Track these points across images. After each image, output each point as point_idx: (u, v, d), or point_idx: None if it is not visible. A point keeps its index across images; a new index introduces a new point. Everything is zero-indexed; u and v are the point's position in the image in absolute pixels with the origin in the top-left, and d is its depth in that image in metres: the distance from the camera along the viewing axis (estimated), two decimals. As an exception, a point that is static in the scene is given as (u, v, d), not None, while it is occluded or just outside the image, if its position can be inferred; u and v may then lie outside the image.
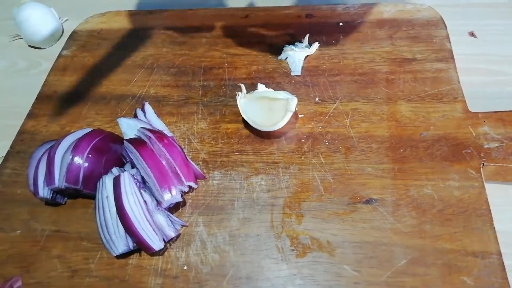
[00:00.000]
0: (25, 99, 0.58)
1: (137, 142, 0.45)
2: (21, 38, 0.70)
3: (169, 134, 0.49)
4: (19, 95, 0.62)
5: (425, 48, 0.55)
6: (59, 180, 0.44)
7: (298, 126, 0.50)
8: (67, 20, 0.72)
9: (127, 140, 0.45)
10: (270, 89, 0.51)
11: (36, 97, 0.57)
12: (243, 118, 0.49)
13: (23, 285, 0.42)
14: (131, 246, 0.41)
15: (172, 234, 0.42)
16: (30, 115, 0.55)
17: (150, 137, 0.45)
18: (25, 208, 0.47)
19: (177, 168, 0.44)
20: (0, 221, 0.46)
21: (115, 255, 0.41)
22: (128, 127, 0.49)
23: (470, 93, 0.51)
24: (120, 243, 0.41)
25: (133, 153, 0.44)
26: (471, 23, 0.62)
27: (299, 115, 0.51)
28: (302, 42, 0.57)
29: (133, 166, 0.45)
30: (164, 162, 0.44)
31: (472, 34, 0.60)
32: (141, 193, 0.42)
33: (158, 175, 0.43)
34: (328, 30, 0.58)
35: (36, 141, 0.52)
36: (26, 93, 0.59)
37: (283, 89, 0.53)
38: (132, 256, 0.43)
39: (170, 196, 0.42)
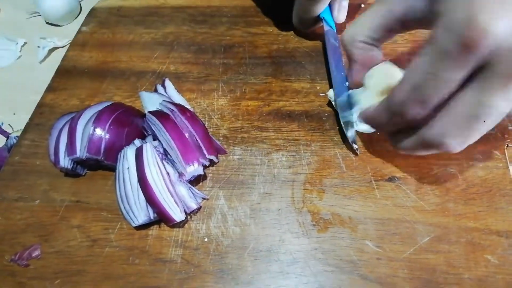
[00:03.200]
0: (44, 74, 0.58)
1: (160, 115, 0.44)
2: (39, 15, 0.70)
3: (190, 109, 0.49)
4: (38, 71, 0.62)
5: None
6: (80, 151, 0.44)
7: (319, 105, 0.50)
8: (85, -3, 0.72)
9: (150, 112, 0.45)
10: None
11: (55, 72, 0.57)
12: None
13: (42, 253, 0.42)
14: (151, 217, 0.41)
15: (193, 206, 0.42)
16: (50, 89, 0.55)
17: (173, 110, 0.45)
18: (45, 179, 0.47)
19: (199, 141, 0.44)
20: (20, 191, 0.46)
21: (134, 225, 0.41)
22: (149, 101, 0.49)
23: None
24: (140, 214, 0.41)
25: (156, 125, 0.44)
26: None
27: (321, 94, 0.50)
28: None
29: (155, 138, 0.45)
30: (187, 135, 0.44)
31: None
32: (163, 165, 0.42)
33: (181, 147, 0.42)
34: (349, 11, 0.58)
35: (55, 114, 0.52)
36: (45, 69, 0.59)
37: (304, 68, 0.53)
38: (152, 227, 0.42)
39: (193, 168, 0.42)
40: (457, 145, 0.33)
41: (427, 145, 0.34)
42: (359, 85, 0.42)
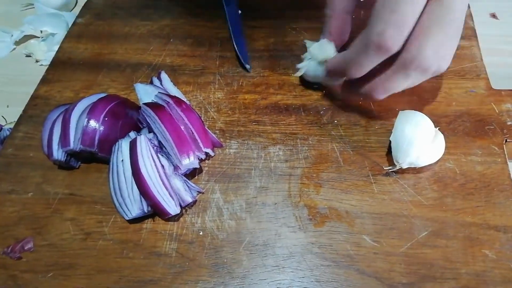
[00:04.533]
0: (38, 67, 0.57)
1: (155, 106, 0.44)
2: (33, 7, 0.69)
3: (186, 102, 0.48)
4: (31, 63, 0.61)
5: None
6: (74, 143, 0.43)
7: (317, 98, 0.49)
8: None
9: (145, 104, 0.44)
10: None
11: (50, 63, 0.56)
12: None
13: (34, 246, 0.41)
14: (145, 210, 0.40)
15: (189, 199, 0.41)
16: (44, 81, 0.54)
17: (168, 102, 0.44)
18: (38, 171, 0.46)
19: (195, 134, 0.43)
20: (13, 183, 0.45)
21: (127, 219, 0.41)
22: (145, 93, 0.48)
23: (492, 72, 0.50)
24: (133, 207, 0.40)
25: (151, 117, 0.43)
26: (492, 5, 0.61)
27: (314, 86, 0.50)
28: None
29: (150, 131, 0.44)
30: (182, 127, 0.43)
31: (493, 16, 0.60)
32: (158, 157, 0.42)
33: (177, 140, 0.42)
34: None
35: (49, 106, 0.51)
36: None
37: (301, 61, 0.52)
38: (146, 221, 0.42)
39: (188, 161, 0.42)
40: (435, 58, 0.36)
41: (407, 67, 0.37)
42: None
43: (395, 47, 0.36)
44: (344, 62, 0.40)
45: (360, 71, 0.39)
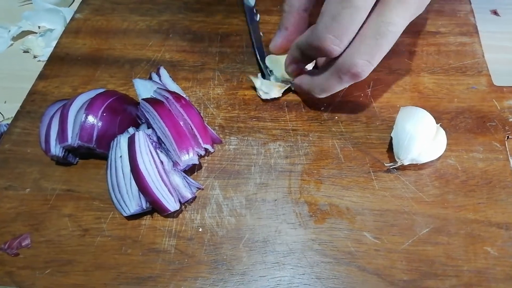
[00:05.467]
0: (35, 62, 0.57)
1: (154, 102, 0.43)
2: (31, 2, 0.68)
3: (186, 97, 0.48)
4: (29, 59, 0.60)
5: (449, 22, 0.54)
6: (72, 138, 0.43)
7: (317, 95, 0.49)
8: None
9: (144, 99, 0.44)
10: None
11: (48, 59, 0.56)
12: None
13: (32, 242, 0.41)
14: (144, 207, 0.40)
15: (188, 195, 0.41)
16: (41, 76, 0.54)
17: (168, 97, 0.44)
18: (36, 167, 0.46)
19: (194, 130, 0.43)
20: (10, 179, 0.45)
21: (125, 215, 0.40)
22: (144, 89, 0.48)
23: (493, 69, 0.50)
24: (132, 203, 0.40)
25: (150, 112, 0.43)
26: (494, 1, 0.60)
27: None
28: None
29: (149, 126, 0.44)
30: (181, 123, 0.43)
31: (495, 13, 0.59)
32: (157, 153, 0.41)
33: (176, 135, 0.41)
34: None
35: (47, 102, 0.50)
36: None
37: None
38: (145, 217, 0.41)
39: (188, 157, 0.41)
40: (364, 65, 0.37)
41: (340, 71, 0.38)
42: (281, 50, 0.47)
43: (334, 52, 0.37)
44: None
45: (299, 65, 0.43)
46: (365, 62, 0.37)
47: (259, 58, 0.52)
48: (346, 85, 0.41)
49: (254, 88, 0.49)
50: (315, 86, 0.43)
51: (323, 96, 0.43)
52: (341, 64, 0.38)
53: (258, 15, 0.57)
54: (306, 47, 0.40)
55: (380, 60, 0.38)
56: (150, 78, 0.51)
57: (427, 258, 0.37)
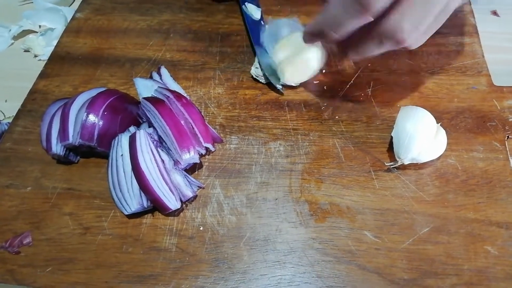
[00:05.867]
0: (36, 62, 0.57)
1: (155, 101, 0.43)
2: (32, 2, 0.68)
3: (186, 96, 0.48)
4: (30, 58, 0.60)
5: (449, 22, 0.53)
6: (73, 137, 0.43)
7: (318, 94, 0.49)
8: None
9: (145, 98, 0.44)
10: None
11: (49, 58, 0.56)
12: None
13: (33, 241, 0.41)
14: (145, 205, 0.40)
15: (189, 194, 0.41)
16: (42, 75, 0.54)
17: (168, 96, 0.44)
18: (37, 166, 0.46)
19: (195, 129, 0.43)
20: (11, 177, 0.45)
21: (126, 213, 0.40)
22: (144, 88, 0.48)
23: (493, 69, 0.50)
24: (133, 202, 0.40)
25: (151, 111, 0.43)
26: (493, 2, 0.60)
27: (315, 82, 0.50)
28: None
29: (150, 125, 0.44)
30: (182, 122, 0.43)
31: (494, 13, 0.59)
32: (158, 152, 0.41)
33: (177, 134, 0.42)
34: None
35: (48, 101, 0.50)
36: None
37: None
38: (146, 216, 0.42)
39: (189, 155, 0.41)
40: (411, 31, 0.34)
41: (383, 35, 0.35)
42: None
43: (374, 10, 0.33)
44: (324, 23, 0.37)
45: (340, 32, 0.36)
46: (413, 28, 0.34)
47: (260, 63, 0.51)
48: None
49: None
50: (351, 48, 0.39)
51: (355, 59, 0.40)
52: (385, 28, 0.35)
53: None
54: (342, 11, 0.35)
55: (430, 32, 0.35)
56: (151, 77, 0.51)
57: (427, 257, 0.37)
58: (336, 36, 0.37)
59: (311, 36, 0.41)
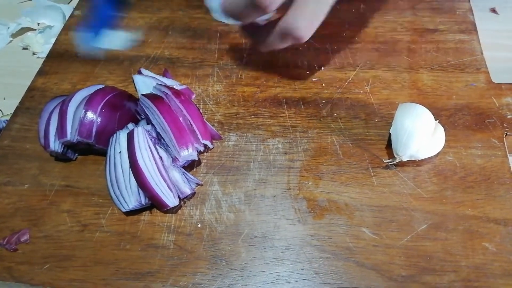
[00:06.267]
0: (34, 59, 0.57)
1: (154, 97, 0.43)
2: (31, -1, 0.68)
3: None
4: (28, 56, 0.60)
5: (447, 19, 0.54)
6: (71, 134, 0.43)
7: (316, 92, 0.49)
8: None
9: (143, 94, 0.44)
10: None
11: (47, 55, 0.56)
12: None
13: (30, 238, 0.41)
14: (143, 202, 0.40)
15: (187, 191, 0.41)
16: (41, 73, 0.54)
17: (167, 93, 0.44)
18: (34, 163, 0.46)
19: (193, 126, 0.43)
20: (9, 175, 0.45)
21: (124, 210, 0.40)
22: (144, 85, 0.48)
23: (492, 67, 0.50)
24: (130, 199, 0.40)
25: (149, 108, 0.43)
26: None
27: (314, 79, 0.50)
28: None
29: (148, 122, 0.44)
30: (181, 119, 0.43)
31: (493, 11, 0.59)
32: (156, 149, 0.41)
33: (175, 131, 0.41)
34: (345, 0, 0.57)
35: (46, 98, 0.50)
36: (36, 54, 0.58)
37: (301, 55, 0.52)
38: (143, 213, 0.41)
39: (187, 152, 0.41)
40: (305, 28, 0.39)
41: (283, 32, 0.40)
42: None
43: (270, 8, 0.37)
44: (231, 8, 0.41)
45: (241, 20, 0.41)
46: (308, 25, 0.39)
47: None
48: (289, 44, 0.42)
49: None
50: (260, 42, 0.44)
51: (265, 50, 0.44)
52: (284, 29, 0.40)
53: None
54: (242, 3, 0.39)
55: (318, 24, 0.40)
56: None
57: (425, 253, 0.37)
58: (239, 22, 0.42)
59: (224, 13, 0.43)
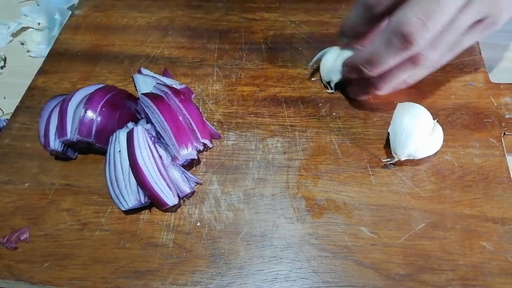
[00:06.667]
0: (35, 59, 0.57)
1: (154, 96, 0.44)
2: (32, -1, 0.68)
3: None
4: (29, 55, 0.61)
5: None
6: (71, 133, 0.43)
7: (316, 91, 0.49)
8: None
9: (143, 94, 0.44)
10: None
11: (48, 54, 0.56)
12: None
13: (30, 236, 0.41)
14: (142, 201, 0.40)
15: (187, 190, 0.41)
16: (41, 72, 0.54)
17: (167, 92, 0.44)
18: (35, 162, 0.46)
19: (193, 125, 0.43)
20: (9, 173, 0.45)
21: (123, 209, 0.40)
22: (144, 84, 0.48)
23: (490, 66, 0.50)
24: (130, 197, 0.40)
25: (149, 107, 0.43)
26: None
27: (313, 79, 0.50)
28: None
29: (148, 121, 0.44)
30: (180, 118, 0.43)
31: (492, 11, 0.59)
32: (155, 148, 0.41)
33: (175, 130, 0.42)
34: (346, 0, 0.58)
35: (46, 97, 0.50)
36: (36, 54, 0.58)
37: (301, 54, 0.52)
38: (143, 211, 0.42)
39: (186, 151, 0.41)
40: (417, 25, 0.35)
41: (390, 32, 0.37)
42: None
43: (419, 44, 0.35)
44: (365, 58, 0.40)
45: (379, 67, 0.39)
46: (419, 21, 0.34)
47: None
48: (397, 56, 0.37)
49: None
50: (363, 58, 0.40)
51: (373, 72, 0.40)
52: (392, 24, 0.36)
53: None
54: (385, 43, 0.37)
55: (436, 28, 0.35)
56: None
57: (423, 252, 0.37)
58: (371, 74, 0.41)
59: (350, 69, 0.44)
